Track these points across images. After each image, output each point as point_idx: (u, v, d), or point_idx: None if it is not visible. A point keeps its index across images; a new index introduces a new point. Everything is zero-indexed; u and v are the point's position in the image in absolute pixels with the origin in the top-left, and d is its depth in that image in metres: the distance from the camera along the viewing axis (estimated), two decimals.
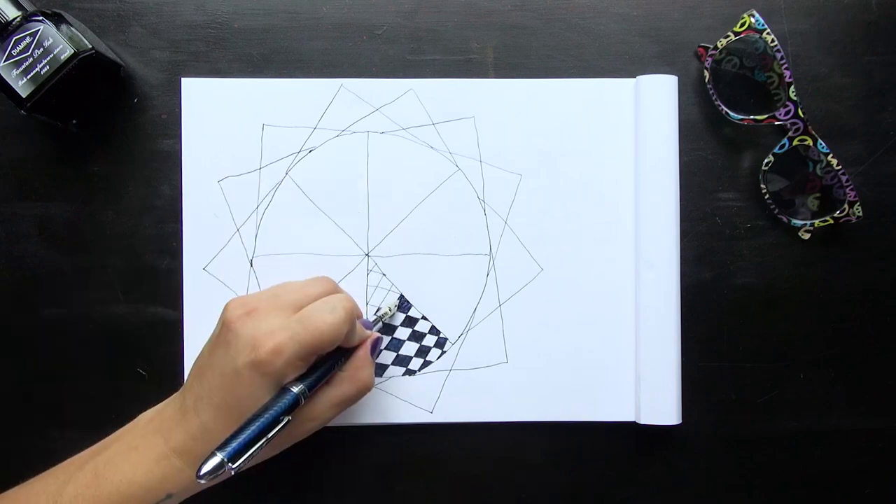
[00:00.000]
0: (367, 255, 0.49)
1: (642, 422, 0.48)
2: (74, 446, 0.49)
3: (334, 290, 0.45)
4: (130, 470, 0.40)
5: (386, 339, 0.49)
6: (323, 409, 0.42)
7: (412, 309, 0.49)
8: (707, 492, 0.50)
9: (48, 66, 0.43)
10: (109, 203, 0.49)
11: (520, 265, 0.49)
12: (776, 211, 0.50)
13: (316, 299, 0.43)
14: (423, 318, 0.49)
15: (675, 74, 0.49)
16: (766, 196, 0.49)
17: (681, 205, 0.49)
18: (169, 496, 0.41)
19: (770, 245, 0.50)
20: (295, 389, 0.39)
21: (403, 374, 0.49)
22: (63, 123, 0.48)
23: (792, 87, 0.47)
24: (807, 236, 0.50)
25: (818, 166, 0.49)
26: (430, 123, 0.49)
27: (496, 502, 0.50)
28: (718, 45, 0.48)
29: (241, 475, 0.49)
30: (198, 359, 0.43)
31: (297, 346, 0.40)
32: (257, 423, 0.38)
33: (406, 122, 0.49)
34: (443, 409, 0.49)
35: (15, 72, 0.43)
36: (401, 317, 0.49)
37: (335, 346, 0.42)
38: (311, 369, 0.41)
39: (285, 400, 0.39)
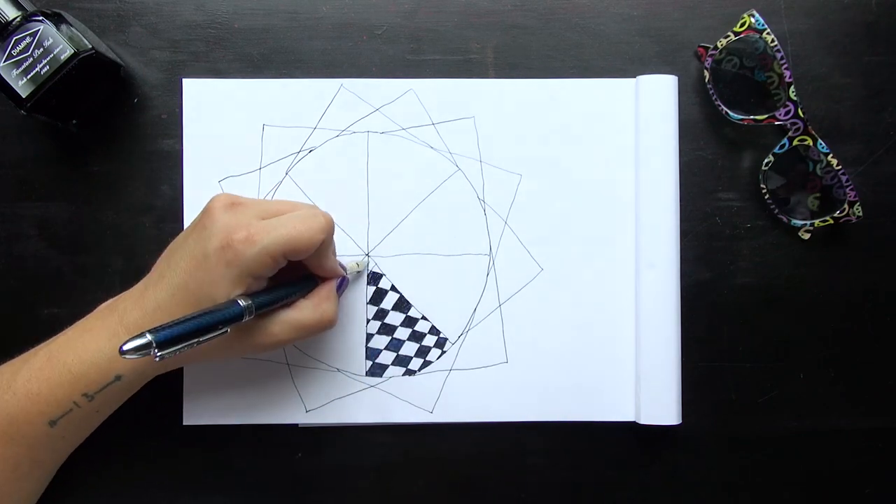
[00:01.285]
0: (367, 255, 0.49)
1: (642, 422, 0.48)
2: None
3: (320, 211, 0.45)
4: (82, 349, 0.41)
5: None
6: (280, 329, 0.42)
7: (412, 309, 0.49)
8: (707, 492, 0.50)
9: (48, 66, 0.43)
10: (109, 203, 0.49)
11: (520, 265, 0.49)
12: (776, 211, 0.50)
13: None
14: (423, 318, 0.49)
15: (675, 74, 0.49)
16: (766, 196, 0.49)
17: (681, 205, 0.49)
18: (118, 378, 0.41)
19: (770, 245, 0.50)
20: (242, 302, 0.39)
21: (403, 374, 0.49)
22: (63, 123, 0.48)
23: (792, 87, 0.47)
24: (807, 236, 0.50)
25: (818, 166, 0.49)
26: (430, 123, 0.49)
27: (496, 502, 0.50)
28: (718, 45, 0.48)
29: (242, 475, 0.49)
30: (172, 243, 0.43)
31: (270, 240, 0.39)
32: (196, 321, 0.37)
33: (406, 122, 0.49)
34: (443, 409, 0.49)
35: (15, 72, 0.43)
36: (401, 317, 0.49)
37: (308, 253, 0.41)
38: (266, 290, 0.41)
39: (230, 310, 0.38)
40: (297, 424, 0.49)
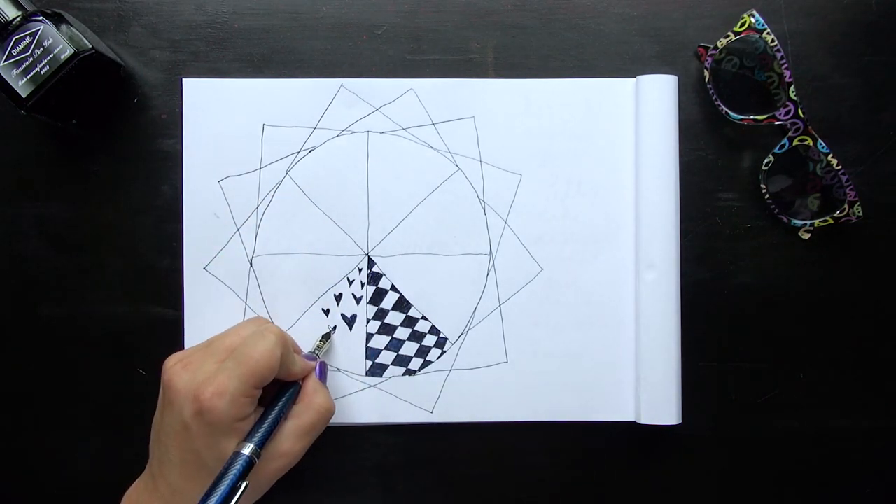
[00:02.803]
0: (367, 254, 0.49)
1: (642, 422, 0.48)
2: (74, 446, 0.49)
3: (263, 323, 0.46)
4: None
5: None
6: (290, 443, 0.43)
7: (412, 309, 0.49)
8: (707, 492, 0.50)
9: (48, 66, 0.43)
10: (109, 203, 0.49)
11: (520, 265, 0.49)
12: (776, 211, 0.50)
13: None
14: (423, 317, 0.49)
15: (675, 74, 0.49)
16: (766, 196, 0.50)
17: (681, 205, 0.49)
18: None
19: (770, 245, 0.50)
20: (246, 451, 0.39)
21: (403, 374, 0.49)
22: (63, 123, 0.48)
23: (792, 87, 0.47)
24: (807, 236, 0.50)
25: (818, 166, 0.49)
26: (430, 123, 0.49)
27: (496, 502, 0.50)
28: (718, 44, 0.48)
29: None
30: (153, 425, 0.43)
31: (237, 381, 0.40)
32: (214, 499, 0.37)
33: (406, 122, 0.49)
34: (443, 409, 0.49)
35: (15, 72, 0.43)
36: (401, 317, 0.49)
37: (273, 374, 0.41)
38: (259, 421, 0.41)
39: (238, 465, 0.39)
40: None
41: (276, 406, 0.43)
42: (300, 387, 0.45)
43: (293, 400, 0.44)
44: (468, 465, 0.50)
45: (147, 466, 0.44)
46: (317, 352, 0.48)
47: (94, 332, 0.49)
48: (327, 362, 0.49)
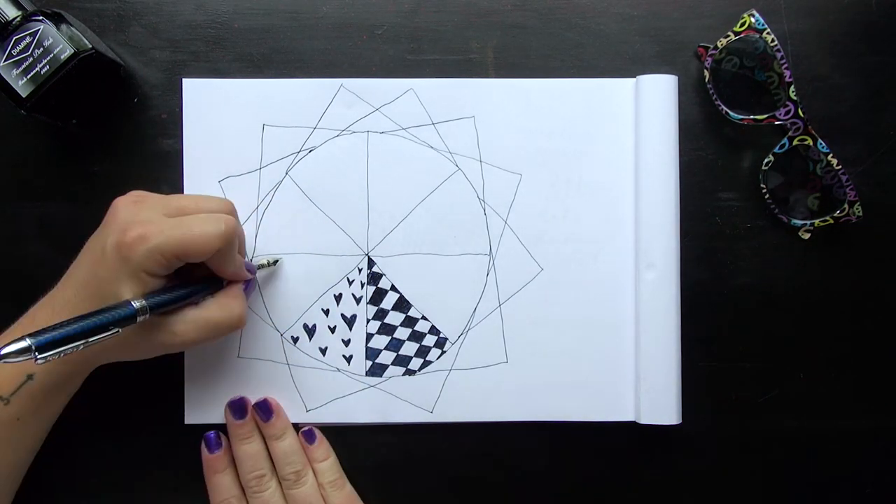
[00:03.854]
0: (367, 254, 0.49)
1: (642, 422, 0.48)
2: (74, 446, 0.49)
3: (230, 211, 0.44)
4: None
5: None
6: (185, 328, 0.41)
7: (412, 309, 0.49)
8: (707, 492, 0.50)
9: (48, 66, 0.43)
10: (109, 203, 0.49)
11: (520, 265, 0.49)
12: (776, 211, 0.50)
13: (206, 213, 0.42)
14: (423, 317, 0.49)
15: (675, 74, 0.49)
16: (766, 196, 0.50)
17: (681, 205, 0.49)
18: (29, 377, 0.41)
19: (770, 245, 0.50)
20: (136, 304, 0.38)
21: (403, 374, 0.49)
22: (63, 123, 0.48)
23: (792, 87, 0.47)
24: (807, 236, 0.50)
25: (818, 166, 0.49)
26: (430, 123, 0.49)
27: (496, 502, 0.50)
28: (718, 44, 0.48)
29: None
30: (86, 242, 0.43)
31: (164, 239, 0.39)
32: (82, 323, 0.36)
33: (406, 122, 0.49)
34: (443, 409, 0.49)
35: (15, 72, 0.43)
36: (401, 317, 0.49)
37: (203, 257, 0.41)
38: (167, 289, 0.41)
39: (121, 311, 0.38)
40: (297, 424, 0.49)
41: (189, 286, 0.42)
42: (222, 286, 0.44)
43: (209, 293, 0.43)
44: (468, 465, 0.50)
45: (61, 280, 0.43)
46: (259, 266, 0.47)
47: None
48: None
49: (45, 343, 0.34)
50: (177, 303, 0.41)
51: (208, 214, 0.42)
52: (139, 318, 0.38)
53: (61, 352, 0.35)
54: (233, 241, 0.42)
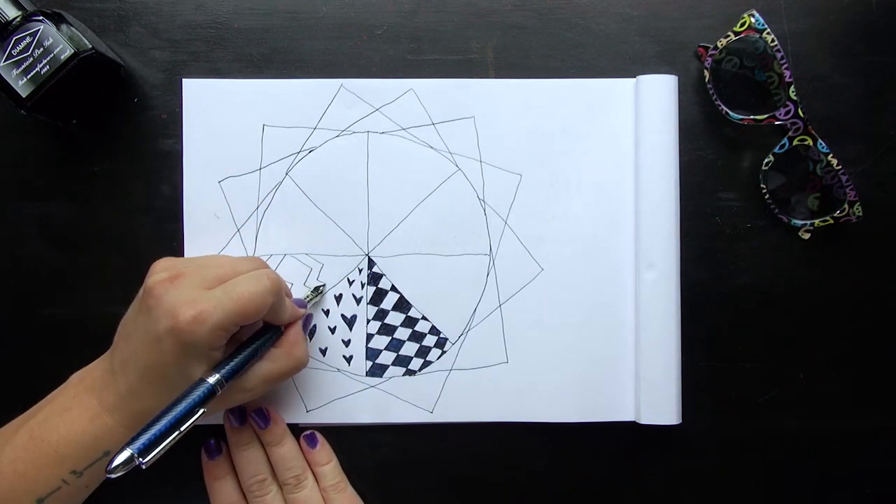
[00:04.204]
0: (367, 255, 0.49)
1: (642, 422, 0.48)
2: None
3: (263, 265, 0.45)
4: (66, 429, 0.40)
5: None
6: (255, 382, 0.42)
7: (412, 309, 0.49)
8: (707, 492, 0.50)
9: (48, 66, 0.43)
10: (109, 203, 0.49)
11: (520, 265, 0.49)
12: (776, 211, 0.50)
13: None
14: (424, 318, 0.49)
15: (675, 74, 0.49)
16: (766, 196, 0.50)
17: (681, 205, 0.49)
18: (106, 453, 0.41)
19: (770, 245, 0.50)
20: (211, 380, 0.39)
21: (403, 374, 0.49)
22: (63, 123, 0.48)
23: (792, 87, 0.47)
24: (807, 236, 0.50)
25: (818, 166, 0.49)
26: (430, 123, 0.49)
27: (496, 502, 0.50)
28: (718, 44, 0.48)
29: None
30: (124, 319, 0.43)
31: (221, 314, 0.39)
32: (169, 416, 0.37)
33: (406, 122, 0.49)
34: (443, 409, 0.49)
35: (15, 72, 0.43)
36: (401, 317, 0.49)
37: (259, 317, 0.41)
38: (233, 354, 0.41)
39: (199, 392, 0.39)
40: (297, 424, 0.49)
41: (253, 344, 0.42)
42: (282, 332, 0.44)
43: (272, 343, 0.44)
44: (468, 465, 0.50)
45: (107, 356, 0.43)
46: (307, 300, 0.48)
47: (94, 332, 0.49)
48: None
49: (146, 447, 0.36)
50: (245, 367, 0.42)
51: (248, 275, 0.42)
52: (218, 393, 0.39)
53: (162, 449, 0.36)
54: (280, 292, 0.42)
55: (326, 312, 0.49)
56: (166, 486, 0.49)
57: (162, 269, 0.41)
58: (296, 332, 0.45)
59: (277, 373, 0.43)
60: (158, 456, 0.36)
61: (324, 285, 0.49)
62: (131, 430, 0.39)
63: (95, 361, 0.44)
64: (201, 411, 0.38)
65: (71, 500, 0.42)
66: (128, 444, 0.36)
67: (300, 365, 0.44)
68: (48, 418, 0.41)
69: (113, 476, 0.35)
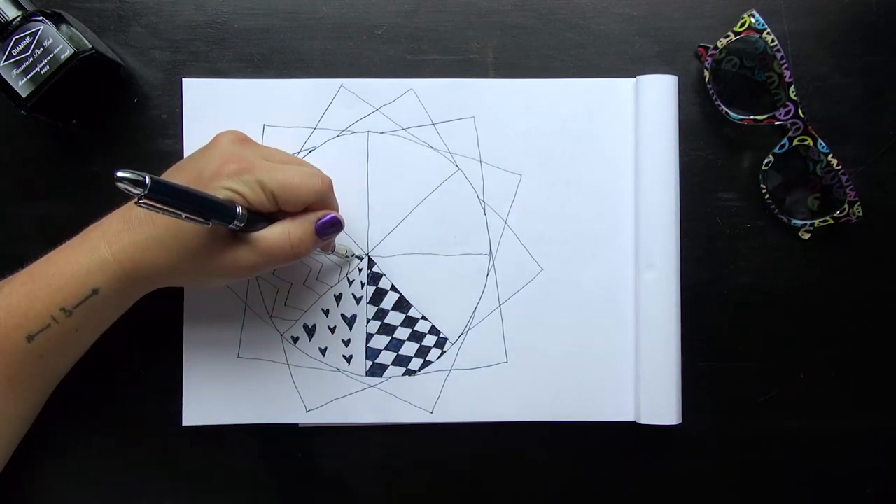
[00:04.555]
0: (367, 255, 0.49)
1: (642, 422, 0.48)
2: (74, 446, 0.49)
3: (325, 177, 0.44)
4: (63, 262, 0.41)
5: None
6: (246, 253, 0.41)
7: (412, 309, 0.49)
8: (707, 492, 0.50)
9: (48, 66, 0.43)
10: (109, 203, 0.49)
11: (520, 265, 0.49)
12: (776, 211, 0.50)
13: None
14: (423, 318, 0.49)
15: (675, 74, 0.49)
16: (766, 196, 0.50)
17: (681, 205, 0.49)
18: (94, 291, 0.41)
19: (770, 245, 0.50)
20: (239, 208, 0.39)
21: (403, 374, 0.49)
22: (63, 123, 0.48)
23: (792, 87, 0.47)
24: (807, 236, 0.50)
25: (818, 166, 0.49)
26: (430, 123, 0.49)
27: (496, 502, 0.50)
28: (718, 44, 0.48)
29: (242, 475, 0.49)
30: (174, 166, 0.43)
31: (266, 175, 0.40)
32: (191, 192, 0.37)
33: (406, 122, 0.49)
34: (443, 409, 0.49)
35: (15, 72, 0.43)
36: (401, 317, 0.49)
37: (296, 207, 0.42)
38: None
39: (224, 205, 0.39)
40: (297, 424, 0.49)
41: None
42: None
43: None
44: (468, 465, 0.50)
45: (130, 206, 0.43)
46: (338, 252, 0.48)
47: None
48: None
49: (157, 188, 0.35)
50: (261, 225, 0.41)
51: (306, 168, 0.43)
52: (234, 223, 0.39)
53: (162, 207, 0.36)
54: (324, 199, 0.43)
55: (326, 312, 0.49)
56: (163, 488, 0.49)
57: (235, 132, 0.43)
58: (307, 217, 0.43)
59: (268, 245, 0.41)
60: (153, 207, 0.35)
61: (352, 256, 0.49)
62: (126, 274, 0.40)
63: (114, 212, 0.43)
64: (207, 221, 0.38)
65: (62, 343, 0.42)
66: (148, 174, 0.34)
67: (294, 248, 0.42)
68: (52, 256, 0.42)
69: (119, 185, 0.34)
